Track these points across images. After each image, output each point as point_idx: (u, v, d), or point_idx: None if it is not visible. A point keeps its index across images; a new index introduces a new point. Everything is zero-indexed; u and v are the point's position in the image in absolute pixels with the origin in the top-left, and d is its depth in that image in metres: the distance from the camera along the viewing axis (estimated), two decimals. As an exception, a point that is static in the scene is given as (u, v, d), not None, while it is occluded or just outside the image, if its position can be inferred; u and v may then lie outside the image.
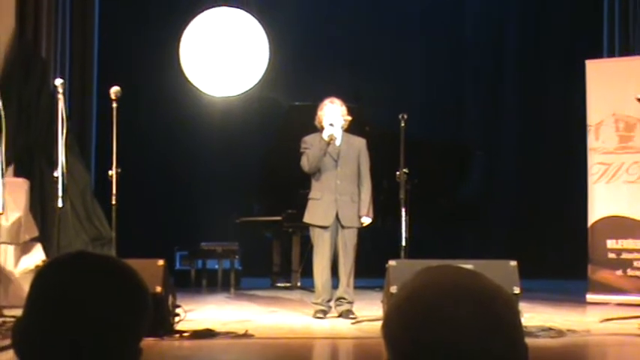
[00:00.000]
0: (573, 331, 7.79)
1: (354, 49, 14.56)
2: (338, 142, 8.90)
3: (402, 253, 8.79)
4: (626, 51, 11.99)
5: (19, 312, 1.71)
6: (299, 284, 12.28)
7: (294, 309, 9.81)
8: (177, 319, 7.77)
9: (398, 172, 9.00)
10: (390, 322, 1.57)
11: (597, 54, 12.05)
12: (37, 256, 10.08)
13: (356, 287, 9.13)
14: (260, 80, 12.94)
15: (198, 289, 12.41)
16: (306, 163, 8.92)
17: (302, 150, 8.95)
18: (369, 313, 8.74)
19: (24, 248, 10.12)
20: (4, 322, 7.49)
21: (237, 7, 12.94)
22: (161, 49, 13.42)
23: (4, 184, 8.23)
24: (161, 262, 7.59)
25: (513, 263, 7.98)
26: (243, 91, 12.98)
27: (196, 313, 8.89)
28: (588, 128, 10.90)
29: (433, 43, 14.98)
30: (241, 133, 13.60)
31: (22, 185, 10.28)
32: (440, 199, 12.25)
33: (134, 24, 14.13)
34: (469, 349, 1.48)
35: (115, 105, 8.18)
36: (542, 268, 12.63)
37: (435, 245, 11.57)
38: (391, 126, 9.53)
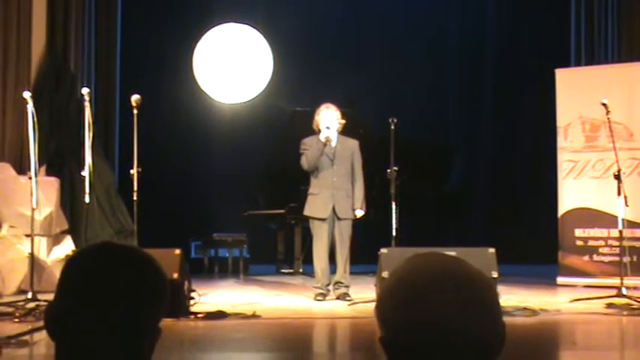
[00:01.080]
0: (546, 311, 7.80)
1: (349, 59, 14.55)
2: (334, 144, 8.90)
3: (393, 242, 8.79)
4: (592, 60, 11.99)
5: (51, 296, 1.71)
6: (301, 270, 12.27)
7: (296, 292, 9.81)
8: (192, 302, 7.77)
9: (388, 170, 9.01)
10: (383, 304, 1.57)
11: (566, 63, 12.05)
12: (67, 246, 10.08)
13: (351, 273, 9.12)
14: (265, 88, 12.94)
15: (210, 275, 12.40)
16: (305, 162, 8.92)
17: (301, 151, 8.95)
18: (364, 295, 8.74)
19: (55, 240, 10.12)
20: (38, 306, 7.48)
21: (245, 24, 12.93)
22: (177, 61, 13.43)
23: (37, 183, 8.22)
24: (178, 251, 7.59)
25: (492, 250, 7.99)
26: (249, 99, 12.99)
27: (209, 297, 8.89)
28: (558, 129, 10.89)
29: (420, 54, 14.95)
30: (248, 135, 13.59)
31: (53, 184, 10.28)
32: (426, 194, 12.23)
33: (153, 39, 14.13)
34: (453, 326, 1.48)
35: (135, 111, 8.16)
36: (518, 255, 12.62)
37: (422, 235, 11.49)
38: (383, 129, 9.51)
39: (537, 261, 12.66)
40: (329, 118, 8.90)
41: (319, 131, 8.89)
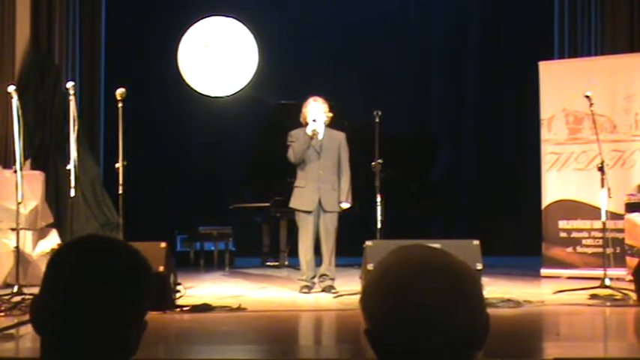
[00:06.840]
0: (529, 302, 7.82)
1: (335, 52, 14.53)
2: (320, 136, 8.90)
3: (378, 234, 8.80)
4: (574, 53, 12.02)
5: (37, 290, 1.70)
6: (286, 263, 12.26)
7: (282, 285, 9.80)
8: (178, 295, 7.76)
9: (373, 163, 9.01)
10: (368, 296, 1.57)
11: (549, 56, 12.06)
12: (52, 240, 10.05)
13: (337, 265, 9.12)
14: (250, 81, 12.92)
15: (196, 268, 12.38)
16: (292, 155, 8.91)
17: (288, 143, 8.94)
18: (349, 288, 8.74)
19: (41, 233, 10.09)
20: (23, 299, 7.46)
21: (230, 16, 12.90)
22: (162, 54, 13.40)
23: (22, 177, 8.19)
24: (163, 244, 7.58)
25: (476, 242, 7.99)
26: (235, 92, 12.96)
27: (195, 290, 8.88)
28: (541, 122, 10.92)
29: (404, 48, 14.96)
30: (234, 129, 13.57)
31: (38, 177, 10.24)
32: (411, 186, 12.24)
33: (137, 32, 14.09)
34: (437, 317, 1.49)
35: (120, 105, 8.14)
36: (502, 247, 12.66)
37: (407, 227, 11.54)
38: (367, 121, 9.50)
39: (521, 253, 12.70)
40: (316, 111, 8.89)
41: (306, 124, 8.88)
